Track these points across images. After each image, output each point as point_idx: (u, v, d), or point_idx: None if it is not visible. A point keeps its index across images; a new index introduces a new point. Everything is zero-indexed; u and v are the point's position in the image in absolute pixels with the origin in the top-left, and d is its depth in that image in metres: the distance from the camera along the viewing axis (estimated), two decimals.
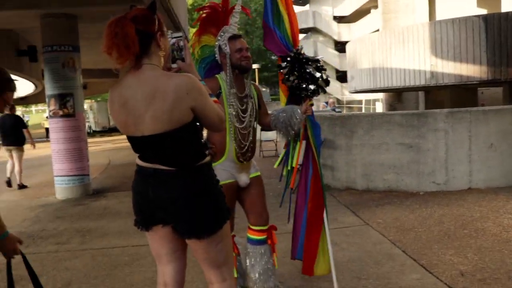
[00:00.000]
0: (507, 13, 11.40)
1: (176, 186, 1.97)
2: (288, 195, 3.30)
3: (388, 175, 6.60)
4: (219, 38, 2.94)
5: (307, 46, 32.23)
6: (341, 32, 35.12)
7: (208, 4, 3.07)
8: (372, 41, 14.36)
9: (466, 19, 11.67)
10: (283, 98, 3.26)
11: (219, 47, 2.92)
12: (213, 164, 2.77)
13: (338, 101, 31.22)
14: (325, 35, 35.03)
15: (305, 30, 35.44)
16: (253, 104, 2.99)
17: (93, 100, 34.31)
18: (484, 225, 4.66)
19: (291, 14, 3.19)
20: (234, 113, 2.88)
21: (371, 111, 29.36)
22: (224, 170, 2.86)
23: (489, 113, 6.47)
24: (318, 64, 3.12)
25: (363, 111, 30.60)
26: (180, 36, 2.05)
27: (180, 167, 1.98)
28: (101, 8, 7.62)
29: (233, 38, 2.90)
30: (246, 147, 2.93)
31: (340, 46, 33.85)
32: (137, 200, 2.10)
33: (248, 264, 3.13)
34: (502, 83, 12.76)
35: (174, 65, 2.03)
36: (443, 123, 6.36)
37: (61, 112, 7.71)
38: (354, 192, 6.65)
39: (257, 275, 3.11)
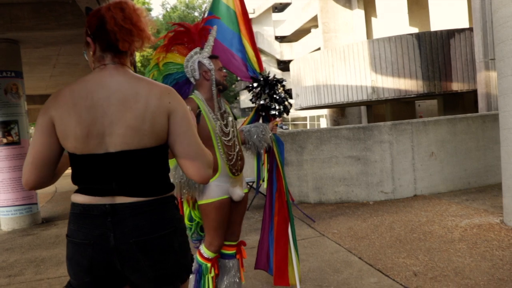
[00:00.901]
0: (436, 32, 12.24)
1: (148, 221, 1.57)
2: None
3: (339, 187, 6.86)
4: (194, 55, 2.95)
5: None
6: (283, 51, 36.05)
7: (182, 22, 3.08)
8: (315, 59, 14.89)
9: (401, 37, 12.41)
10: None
11: (199, 62, 2.92)
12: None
13: (283, 118, 31.84)
14: (267, 54, 35.80)
15: None
16: (232, 117, 3.07)
17: (33, 127, 32.97)
18: (431, 228, 4.97)
19: (252, 41, 3.39)
20: (217, 128, 2.92)
21: (316, 127, 30.18)
22: (219, 186, 2.88)
23: (428, 124, 6.91)
24: (286, 88, 3.34)
25: (308, 127, 31.39)
26: None
27: (151, 196, 1.59)
28: (44, 33, 7.50)
29: (213, 57, 2.97)
30: (234, 157, 2.96)
31: (283, 65, 34.77)
32: (87, 255, 1.57)
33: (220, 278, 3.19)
34: (436, 96, 13.61)
35: None
36: (387, 135, 6.73)
37: (5, 140, 7.43)
38: (307, 206, 6.84)
39: (223, 287, 3.17)
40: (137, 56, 20.34)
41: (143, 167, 1.58)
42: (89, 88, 1.55)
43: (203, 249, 3.00)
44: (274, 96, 3.25)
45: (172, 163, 2.77)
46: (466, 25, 13.68)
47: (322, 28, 20.06)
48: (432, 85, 12.07)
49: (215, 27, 3.17)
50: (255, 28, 36.64)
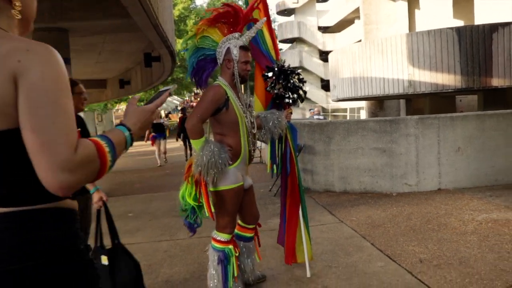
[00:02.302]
0: (478, 26, 12.03)
1: None
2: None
3: (363, 178, 7.04)
4: (230, 40, 3.02)
5: (292, 56, 32.92)
6: (326, 41, 35.86)
7: (233, 3, 3.13)
8: (353, 51, 14.91)
9: (440, 31, 12.27)
10: (258, 104, 3.65)
11: (228, 49, 3.02)
12: (229, 167, 2.99)
13: (324, 109, 31.80)
14: (310, 45, 35.73)
15: (290, 40, 36.12)
16: (251, 107, 3.26)
17: None
18: (447, 221, 5.11)
19: (270, 28, 3.65)
20: (245, 118, 3.08)
21: (356, 119, 29.97)
22: (237, 172, 3.05)
23: (456, 119, 6.96)
24: (300, 77, 3.52)
25: (348, 118, 31.22)
26: (167, 89, 1.37)
27: (6, 204, 1.10)
28: (92, 22, 8.01)
29: (243, 48, 3.05)
30: (254, 147, 3.21)
31: (325, 56, 34.55)
32: None
33: (245, 259, 3.40)
34: (476, 91, 13.38)
35: None
36: (413, 129, 6.84)
37: None
38: (332, 194, 7.07)
39: (251, 267, 3.45)
40: (179, 43, 20.86)
41: None
42: None
43: (219, 235, 3.12)
44: (288, 85, 3.40)
45: (198, 143, 2.97)
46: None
47: (363, 19, 19.93)
48: (471, 80, 11.90)
49: (263, 20, 3.27)
50: (298, 18, 36.67)
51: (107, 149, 1.11)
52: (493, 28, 11.92)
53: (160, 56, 12.21)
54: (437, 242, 4.39)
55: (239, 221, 3.40)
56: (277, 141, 3.59)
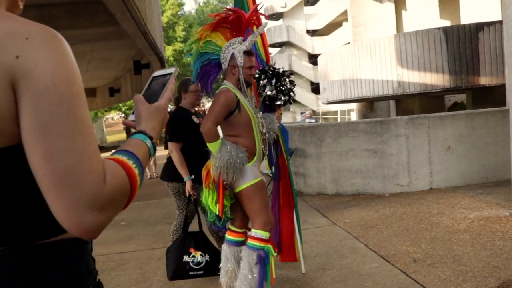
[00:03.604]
0: (464, 25, 12.14)
1: None
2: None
3: (355, 179, 7.06)
4: (233, 45, 3.06)
5: (282, 60, 32.97)
6: (315, 45, 35.98)
7: (234, 8, 3.18)
8: (342, 54, 14.97)
9: (428, 31, 12.36)
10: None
11: (233, 54, 3.05)
12: (247, 165, 3.02)
13: (314, 112, 31.85)
14: (299, 48, 35.81)
15: (279, 44, 36.20)
16: (257, 109, 3.31)
17: None
18: (439, 219, 5.14)
19: (263, 37, 3.66)
20: (255, 115, 3.14)
21: (346, 121, 30.10)
22: (256, 168, 3.09)
23: (445, 118, 7.01)
24: (291, 78, 3.54)
25: (339, 121, 31.33)
26: (170, 73, 1.09)
27: (8, 243, 0.83)
28: (80, 31, 7.98)
29: (247, 53, 3.09)
30: (266, 146, 3.24)
31: (314, 59, 34.60)
32: None
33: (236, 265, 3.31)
34: (464, 90, 13.49)
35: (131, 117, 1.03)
36: (404, 129, 6.88)
37: None
38: (324, 197, 7.08)
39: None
40: (169, 50, 20.85)
41: None
42: None
43: (259, 233, 3.04)
44: (280, 87, 3.42)
45: (215, 146, 2.98)
46: (498, 17, 13.45)
47: (351, 22, 20.01)
48: (459, 79, 11.99)
49: (264, 23, 3.35)
50: (286, 22, 36.79)
51: (136, 171, 0.86)
52: (479, 27, 12.03)
53: (149, 63, 12.18)
54: (430, 241, 4.41)
55: (230, 226, 3.35)
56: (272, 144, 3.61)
